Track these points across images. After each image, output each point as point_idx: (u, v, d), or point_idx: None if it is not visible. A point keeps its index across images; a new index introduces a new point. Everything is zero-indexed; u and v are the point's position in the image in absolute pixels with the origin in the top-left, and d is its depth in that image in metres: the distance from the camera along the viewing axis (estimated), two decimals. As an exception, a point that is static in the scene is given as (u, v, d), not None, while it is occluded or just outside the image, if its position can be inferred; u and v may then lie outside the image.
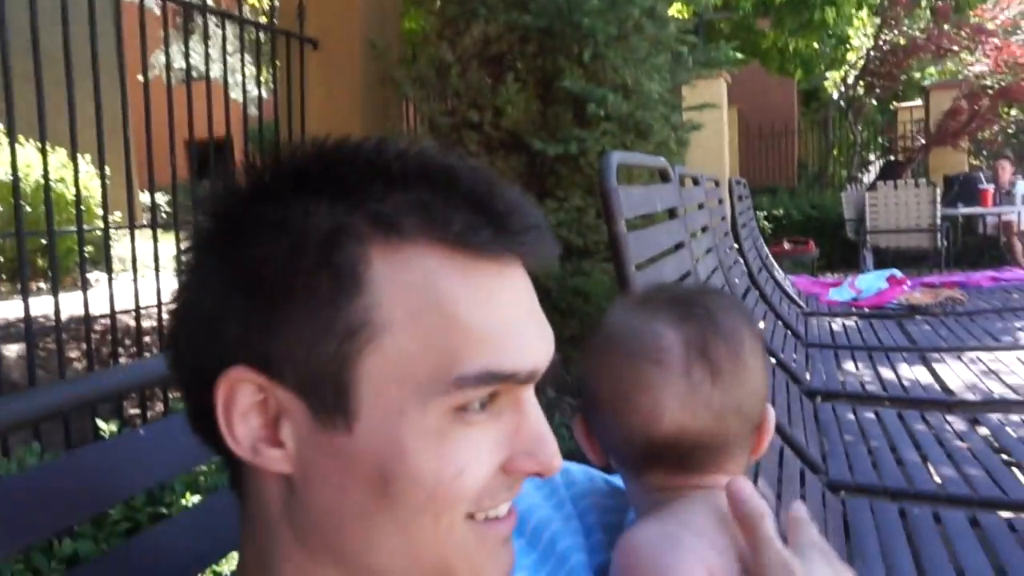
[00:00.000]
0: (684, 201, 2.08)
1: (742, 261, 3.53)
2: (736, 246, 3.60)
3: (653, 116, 2.84)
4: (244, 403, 0.39)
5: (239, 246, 0.40)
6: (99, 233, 2.41)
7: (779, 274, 4.33)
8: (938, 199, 6.69)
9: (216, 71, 2.95)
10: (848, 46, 10.46)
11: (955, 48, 9.04)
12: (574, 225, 2.68)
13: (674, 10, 5.97)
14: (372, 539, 0.40)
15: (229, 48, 3.83)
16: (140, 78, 2.16)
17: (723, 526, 0.53)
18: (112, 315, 2.07)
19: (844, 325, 3.54)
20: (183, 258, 0.43)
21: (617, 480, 0.65)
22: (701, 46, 3.82)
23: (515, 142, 2.82)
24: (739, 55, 3.98)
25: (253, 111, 3.35)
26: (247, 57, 2.83)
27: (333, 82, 3.06)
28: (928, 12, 9.18)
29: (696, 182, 2.70)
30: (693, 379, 0.55)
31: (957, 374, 2.55)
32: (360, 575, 0.42)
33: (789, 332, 3.08)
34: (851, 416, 2.14)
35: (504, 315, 0.40)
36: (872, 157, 11.38)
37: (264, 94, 2.93)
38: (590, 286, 2.51)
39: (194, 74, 2.40)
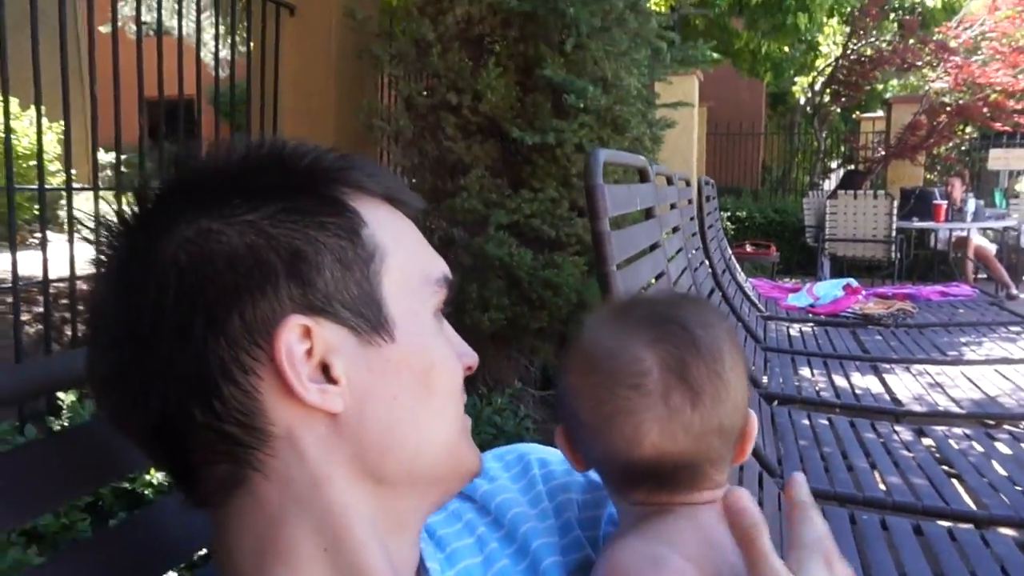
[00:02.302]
0: (659, 200, 2.09)
1: (707, 262, 3.58)
2: (702, 247, 3.65)
3: (631, 111, 2.84)
4: (299, 352, 0.43)
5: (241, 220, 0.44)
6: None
7: (741, 277, 4.41)
8: (894, 211, 6.88)
9: (188, 30, 2.85)
10: (817, 52, 10.68)
11: (919, 63, 9.29)
12: (547, 216, 2.67)
13: (652, 3, 6.00)
14: (425, 435, 0.47)
15: (202, 5, 3.70)
16: (103, 30, 2.07)
17: (707, 544, 0.53)
18: (72, 279, 1.98)
19: (801, 331, 3.63)
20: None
21: (594, 474, 0.65)
22: (678, 43, 3.83)
23: (492, 128, 2.79)
24: (715, 55, 3.99)
25: (224, 74, 3.24)
26: (220, 18, 2.74)
27: (309, 51, 2.98)
28: (896, 25, 9.41)
29: (670, 181, 2.71)
30: (672, 404, 0.54)
31: (906, 385, 2.64)
32: (409, 491, 0.48)
33: (748, 335, 3.14)
34: (806, 421, 2.19)
35: (426, 242, 0.52)
36: (834, 165, 11.65)
37: (237, 57, 2.82)
38: (561, 278, 2.51)
39: (158, 30, 2.30)
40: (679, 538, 0.53)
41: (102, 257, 0.47)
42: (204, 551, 0.61)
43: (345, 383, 0.44)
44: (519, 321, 2.59)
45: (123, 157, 2.19)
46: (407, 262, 0.48)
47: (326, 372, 0.44)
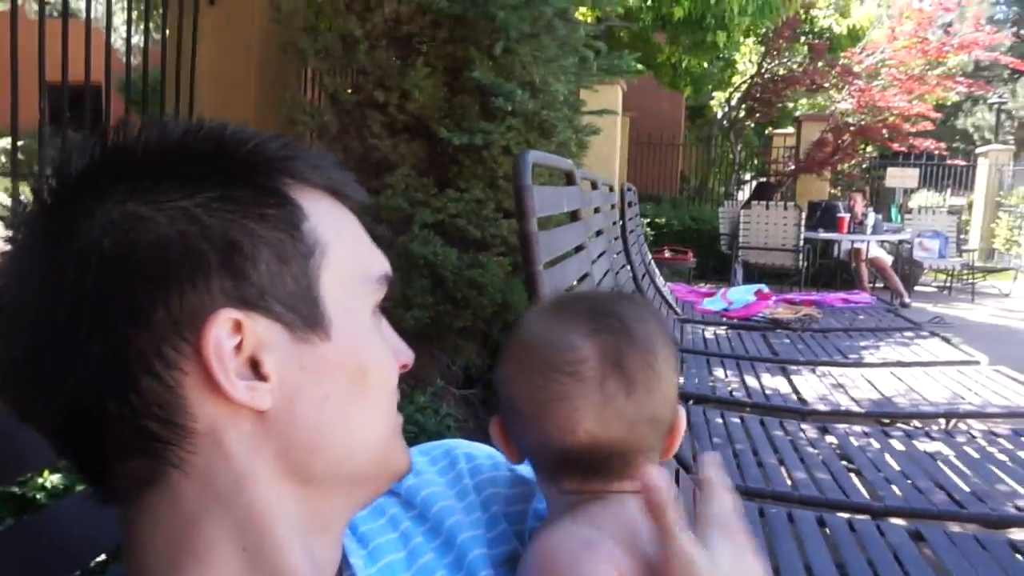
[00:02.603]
0: (584, 204, 2.13)
1: (629, 266, 3.67)
2: (624, 250, 3.74)
3: (557, 116, 2.89)
4: (228, 347, 0.41)
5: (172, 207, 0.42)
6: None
7: (660, 280, 4.54)
8: (802, 223, 7.26)
9: (97, 13, 2.70)
10: (734, 70, 11.15)
11: (826, 85, 9.84)
12: (473, 217, 2.67)
13: (579, 14, 6.10)
14: (356, 436, 0.46)
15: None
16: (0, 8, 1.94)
17: (637, 530, 0.54)
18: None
19: (716, 334, 3.77)
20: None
21: (520, 469, 0.66)
22: (604, 52, 3.92)
23: (419, 127, 2.78)
24: (639, 66, 4.11)
25: (135, 61, 3.09)
26: (132, 2, 2.62)
27: (229, 42, 2.88)
28: (806, 48, 9.93)
29: (594, 186, 2.77)
30: (607, 391, 0.55)
31: (811, 386, 2.78)
32: (337, 491, 0.47)
33: (666, 337, 3.23)
34: (720, 420, 2.28)
35: (368, 238, 0.51)
36: (747, 176, 12.17)
37: (150, 44, 2.70)
38: (486, 278, 2.52)
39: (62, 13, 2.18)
40: (610, 524, 0.54)
41: (16, 236, 0.43)
42: (103, 557, 0.58)
43: (275, 380, 0.42)
44: (442, 320, 2.59)
45: (20, 143, 2.04)
46: (348, 259, 0.47)
47: (255, 369, 0.42)
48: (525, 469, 0.65)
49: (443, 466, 0.63)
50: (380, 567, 0.52)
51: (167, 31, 2.78)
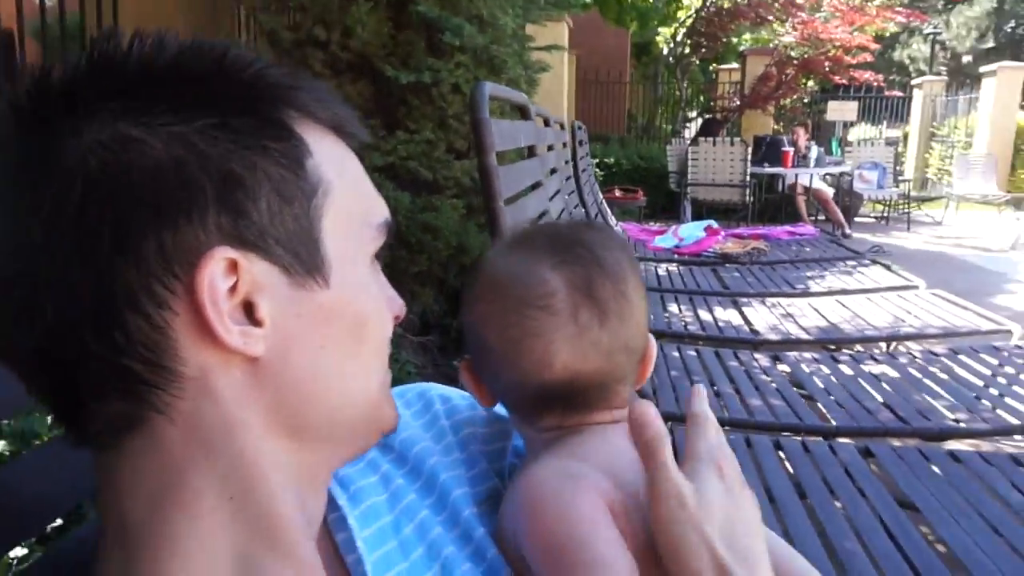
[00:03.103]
0: (539, 141, 2.09)
1: (581, 205, 3.66)
2: (576, 190, 3.72)
3: (507, 52, 2.82)
4: (223, 288, 0.38)
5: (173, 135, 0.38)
6: None
7: (612, 220, 4.56)
8: (748, 158, 7.35)
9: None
10: (679, 4, 11.05)
11: (769, 17, 9.85)
12: (424, 159, 2.61)
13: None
14: (349, 388, 0.45)
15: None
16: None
17: (620, 458, 0.54)
18: None
19: (668, 270, 3.82)
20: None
21: (496, 408, 0.65)
22: (551, -14, 3.82)
23: (364, 66, 2.67)
24: (586, 0, 4.02)
25: (50, 3, 2.87)
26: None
27: (153, -24, 2.70)
28: (750, -20, 9.89)
29: (547, 123, 2.73)
30: (581, 321, 0.55)
31: (762, 317, 2.86)
32: (327, 443, 0.45)
33: (621, 274, 3.26)
34: (676, 353, 2.32)
35: (369, 181, 0.49)
36: (693, 114, 12.21)
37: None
38: (440, 221, 2.48)
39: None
40: (593, 455, 0.54)
41: None
42: (60, 522, 0.55)
43: (270, 326, 0.40)
44: (397, 265, 2.55)
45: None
46: (350, 201, 0.44)
47: (249, 313, 0.40)
48: (500, 408, 0.64)
49: (418, 409, 0.62)
50: (363, 509, 0.51)
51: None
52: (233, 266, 0.38)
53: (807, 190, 7.49)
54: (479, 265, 0.60)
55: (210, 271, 0.37)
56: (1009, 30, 21.33)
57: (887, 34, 12.90)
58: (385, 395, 0.49)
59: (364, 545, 0.48)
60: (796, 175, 7.56)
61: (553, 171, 2.59)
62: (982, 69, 11.15)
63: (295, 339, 0.41)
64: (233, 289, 0.39)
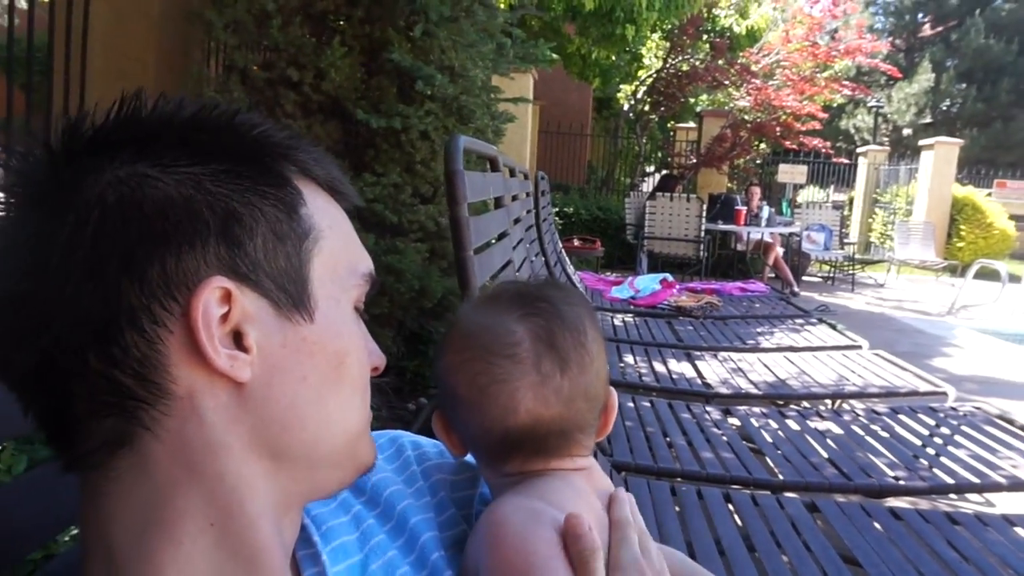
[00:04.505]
0: (506, 191, 2.14)
1: (542, 254, 3.72)
2: (538, 239, 3.79)
3: (476, 102, 2.89)
4: (216, 315, 0.42)
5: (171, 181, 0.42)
6: None
7: (571, 269, 4.63)
8: (703, 214, 7.58)
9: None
10: (641, 64, 11.46)
11: (726, 82, 10.29)
12: (390, 202, 2.64)
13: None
14: (329, 422, 0.47)
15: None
16: None
17: (578, 499, 0.58)
18: None
19: (624, 321, 3.89)
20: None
21: (468, 458, 0.67)
22: (520, 40, 3.94)
23: (335, 108, 2.71)
24: (554, 55, 4.16)
25: (17, 23, 2.84)
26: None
27: (125, 8, 2.71)
28: (708, 46, 10.34)
29: (512, 173, 2.79)
30: (543, 370, 0.59)
31: (713, 370, 2.93)
32: (304, 474, 0.47)
33: (579, 323, 3.31)
34: (631, 404, 2.36)
35: (357, 237, 0.53)
36: (651, 168, 12.56)
37: (35, 7, 2.49)
38: (403, 264, 2.50)
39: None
40: (555, 496, 0.57)
41: (16, 185, 0.43)
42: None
43: (256, 354, 0.43)
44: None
45: None
46: (338, 250, 0.49)
47: (238, 340, 0.43)
48: (469, 458, 0.67)
49: (390, 454, 0.64)
50: (333, 547, 0.52)
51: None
52: (227, 295, 0.42)
53: (770, 246, 7.73)
54: (453, 321, 0.65)
55: (206, 297, 0.41)
56: (944, 108, 22.67)
57: (834, 104, 13.58)
58: (365, 433, 0.52)
59: None
60: (749, 233, 7.81)
61: (517, 220, 2.64)
62: (921, 142, 11.80)
63: (279, 368, 0.44)
64: (226, 317, 0.42)
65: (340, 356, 0.47)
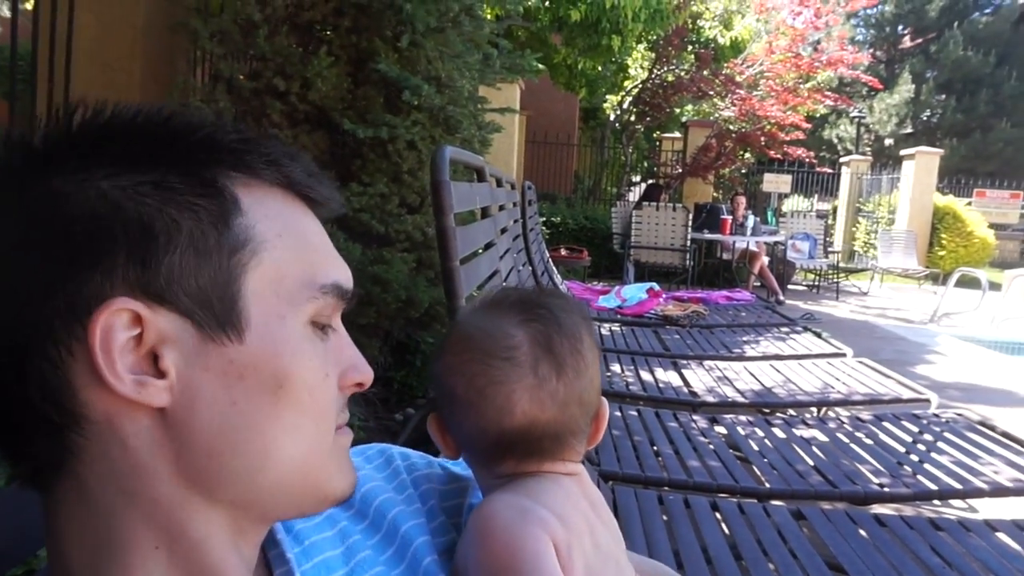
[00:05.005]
0: (493, 201, 2.15)
1: (529, 264, 3.73)
2: (525, 248, 3.79)
3: (463, 112, 2.90)
4: (122, 338, 0.40)
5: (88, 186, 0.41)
6: None
7: (558, 278, 4.64)
8: (689, 223, 7.63)
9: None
10: (627, 74, 11.55)
11: (710, 92, 10.38)
12: (376, 212, 2.64)
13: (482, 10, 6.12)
14: (267, 450, 0.43)
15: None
16: None
17: (568, 501, 0.60)
18: None
19: (611, 330, 3.90)
20: None
21: (454, 467, 0.68)
22: (506, 51, 3.96)
23: (321, 118, 2.71)
24: (540, 66, 4.19)
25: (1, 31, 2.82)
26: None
27: (110, 18, 2.70)
28: (693, 57, 10.44)
29: (499, 183, 2.80)
30: (540, 373, 0.60)
31: (700, 379, 2.94)
32: (248, 502, 0.44)
33: (566, 332, 3.31)
34: (618, 413, 2.37)
35: (328, 245, 0.49)
36: (637, 178, 12.64)
37: (18, 15, 2.47)
38: (390, 274, 2.49)
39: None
40: (545, 496, 0.59)
41: None
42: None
43: (175, 377, 0.41)
44: (345, 316, 2.54)
45: None
46: (286, 261, 0.44)
47: (157, 363, 0.41)
48: (458, 467, 0.67)
49: (379, 464, 0.64)
50: (315, 563, 0.52)
51: (39, 0, 2.56)
52: (137, 318, 0.40)
53: (755, 255, 7.78)
54: (452, 324, 0.66)
55: (105, 319, 0.39)
56: (925, 118, 22.99)
57: (817, 115, 13.74)
58: (330, 463, 0.47)
59: None
60: (735, 242, 7.87)
61: (503, 230, 2.65)
62: (902, 152, 11.96)
63: (202, 392, 0.41)
64: (140, 339, 0.40)
65: (277, 379, 0.43)
